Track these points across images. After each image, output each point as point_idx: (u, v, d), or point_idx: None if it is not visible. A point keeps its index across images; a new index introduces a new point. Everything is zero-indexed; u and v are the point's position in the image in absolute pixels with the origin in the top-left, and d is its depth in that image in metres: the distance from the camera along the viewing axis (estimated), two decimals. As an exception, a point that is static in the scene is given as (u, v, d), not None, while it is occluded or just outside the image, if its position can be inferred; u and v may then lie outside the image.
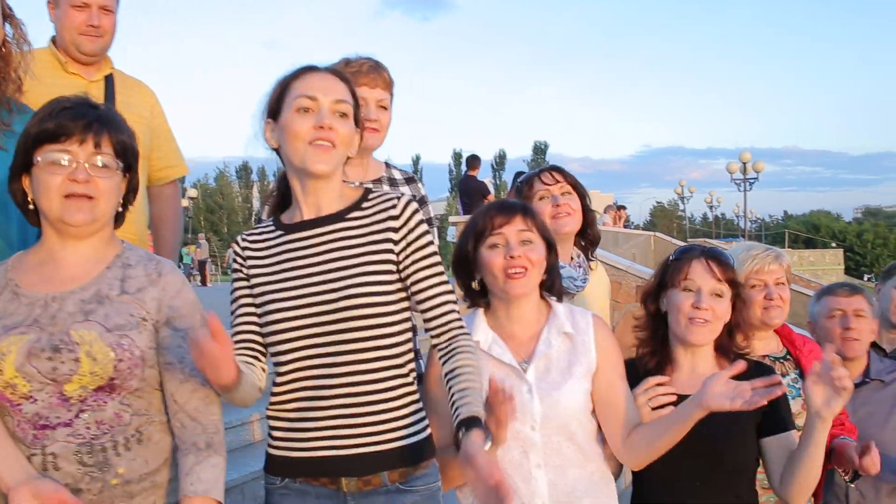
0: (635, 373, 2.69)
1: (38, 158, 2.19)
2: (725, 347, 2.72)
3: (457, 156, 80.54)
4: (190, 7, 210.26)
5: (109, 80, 3.78)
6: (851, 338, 3.31)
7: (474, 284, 2.63)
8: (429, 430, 2.38)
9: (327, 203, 2.40)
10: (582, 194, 3.35)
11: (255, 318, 2.42)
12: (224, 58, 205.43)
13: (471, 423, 2.16)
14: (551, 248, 2.62)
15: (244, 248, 2.46)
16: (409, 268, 2.36)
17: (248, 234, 2.50)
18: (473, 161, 15.91)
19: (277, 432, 2.39)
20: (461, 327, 2.38)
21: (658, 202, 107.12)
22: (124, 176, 2.29)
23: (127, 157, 2.27)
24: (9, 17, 2.72)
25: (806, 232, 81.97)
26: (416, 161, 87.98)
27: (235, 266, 2.47)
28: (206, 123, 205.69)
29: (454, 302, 2.40)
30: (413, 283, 2.36)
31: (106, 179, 2.22)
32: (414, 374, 2.40)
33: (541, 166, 3.42)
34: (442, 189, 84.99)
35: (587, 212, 3.36)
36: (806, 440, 2.49)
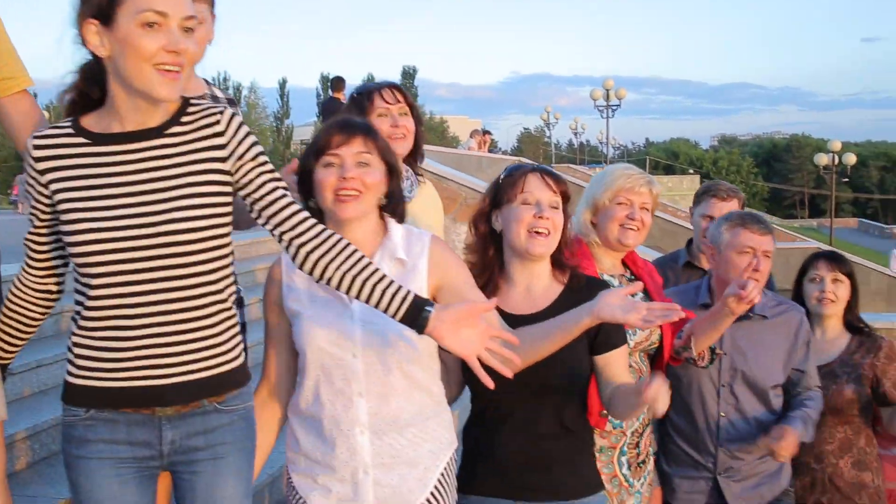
0: None
1: None
2: (561, 261, 2.70)
3: (324, 79, 78.77)
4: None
5: None
6: (757, 279, 3.19)
7: (311, 203, 2.52)
8: (244, 356, 2.33)
9: (150, 117, 2.21)
10: (417, 116, 3.29)
11: (41, 237, 2.28)
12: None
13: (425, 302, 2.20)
14: (393, 172, 2.53)
15: (39, 158, 2.21)
16: (246, 177, 2.24)
17: (43, 137, 2.22)
18: (338, 83, 15.53)
19: (83, 360, 2.22)
20: (313, 219, 2.28)
21: (525, 129, 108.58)
22: None
23: None
24: None
25: (666, 159, 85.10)
26: (283, 84, 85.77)
27: (31, 177, 2.23)
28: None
29: (294, 199, 2.31)
30: (255, 192, 2.25)
31: None
32: (233, 299, 2.31)
33: (379, 82, 3.33)
34: (310, 114, 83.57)
35: (419, 134, 3.31)
36: (628, 406, 2.50)
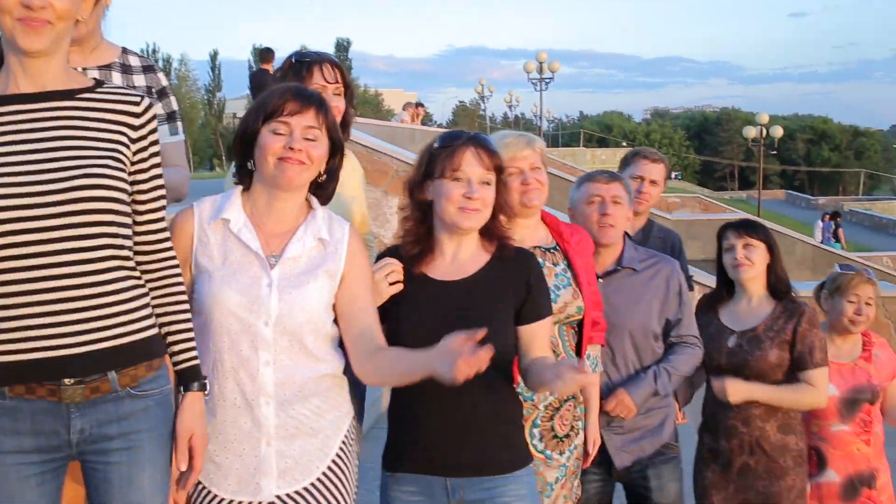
0: (398, 258, 2.66)
1: None
2: (490, 231, 2.67)
3: (256, 51, 77.49)
4: None
5: None
6: (607, 224, 3.32)
7: (249, 164, 2.48)
8: (157, 329, 2.28)
9: (52, 79, 2.15)
10: (350, 97, 3.23)
11: None
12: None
13: (196, 374, 2.31)
14: (336, 151, 2.53)
15: None
16: (137, 174, 2.23)
17: None
18: (266, 54, 15.28)
19: None
20: (171, 249, 2.34)
21: (461, 102, 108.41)
22: None
23: None
24: None
25: (599, 132, 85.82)
26: (214, 57, 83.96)
27: None
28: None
29: (167, 224, 2.34)
30: (137, 193, 2.24)
31: None
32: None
33: (321, 54, 3.25)
34: (242, 87, 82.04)
35: (347, 114, 3.23)
36: (539, 382, 2.51)
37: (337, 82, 3.15)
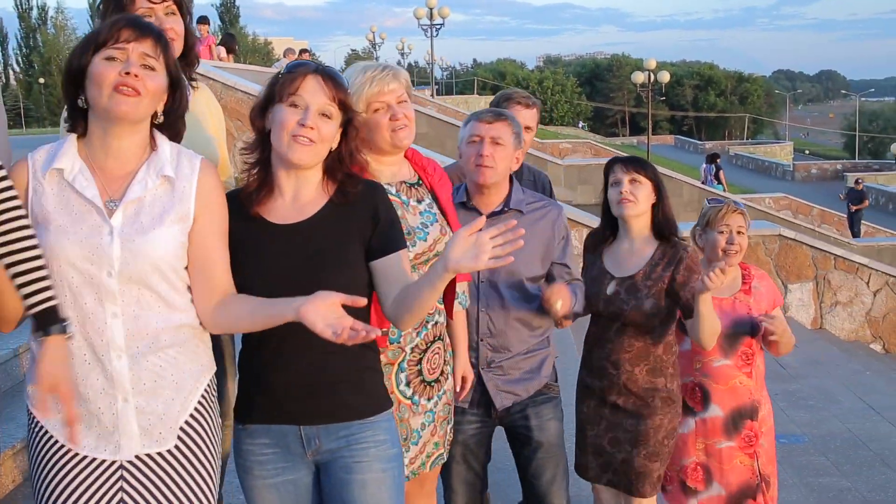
0: (237, 201, 2.46)
1: None
2: (334, 172, 2.51)
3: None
4: None
5: None
6: (483, 164, 3.22)
7: (80, 102, 2.28)
8: None
9: None
10: (185, 16, 2.96)
11: None
12: None
13: (53, 317, 2.14)
14: (176, 86, 2.35)
15: None
16: None
17: None
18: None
19: None
20: (9, 198, 2.14)
21: (353, 50, 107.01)
22: None
23: None
24: None
25: (493, 79, 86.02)
26: (93, 4, 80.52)
27: None
28: None
29: None
30: None
31: None
32: None
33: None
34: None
35: (189, 35, 3.00)
36: (428, 285, 2.35)
37: (165, 1, 2.88)
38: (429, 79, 50.16)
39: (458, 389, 3.11)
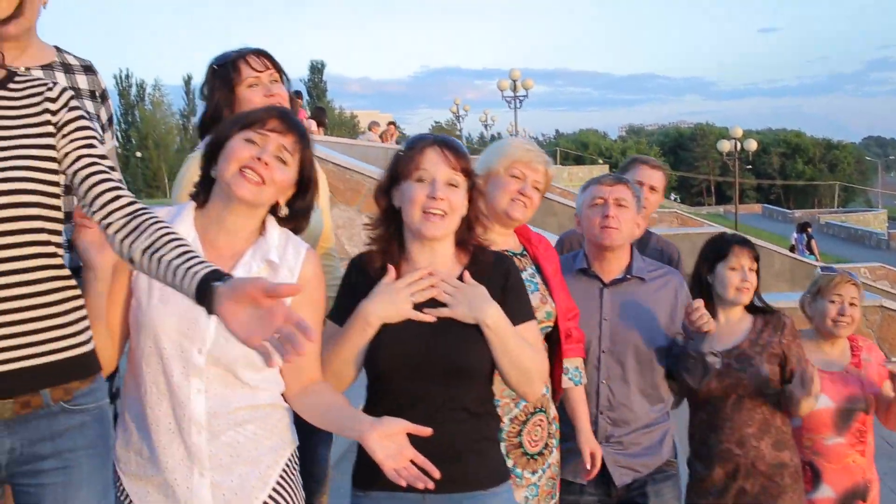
0: (363, 272, 2.50)
1: None
2: (465, 241, 2.53)
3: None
4: None
5: None
6: (609, 225, 3.18)
7: (213, 172, 2.33)
8: (94, 342, 2.13)
9: None
10: (287, 82, 3.07)
11: None
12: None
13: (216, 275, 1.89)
14: (305, 186, 2.39)
15: None
16: (68, 147, 2.04)
17: None
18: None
19: None
20: (137, 202, 2.07)
21: (437, 122, 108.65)
22: None
23: None
24: None
25: (576, 149, 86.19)
26: (188, 82, 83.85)
27: None
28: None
29: (123, 184, 2.12)
30: (76, 167, 2.04)
31: None
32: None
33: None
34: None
35: (291, 100, 3.08)
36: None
37: (269, 69, 2.98)
38: (512, 149, 50.43)
39: (588, 466, 3.02)
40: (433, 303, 2.43)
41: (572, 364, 3.04)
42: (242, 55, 2.97)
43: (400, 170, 2.48)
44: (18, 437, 1.97)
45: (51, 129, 2.03)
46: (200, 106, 3.05)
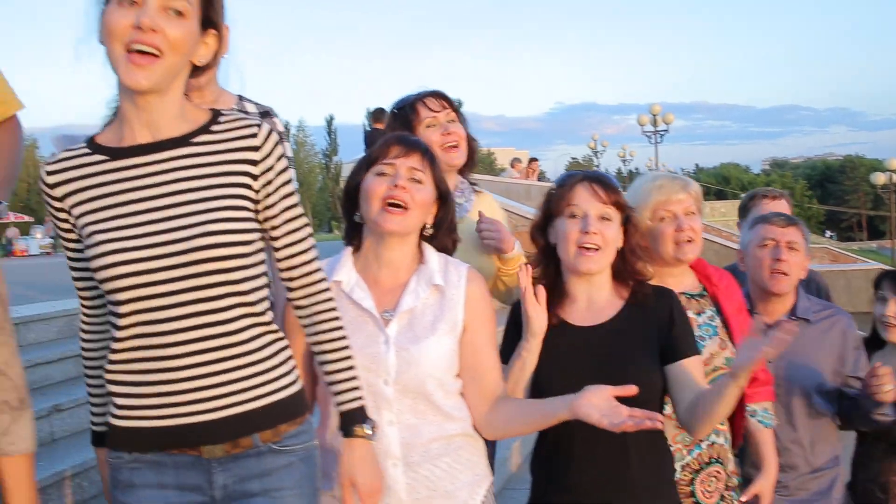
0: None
1: None
2: (623, 273, 2.52)
3: (371, 114, 79.64)
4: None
5: None
6: (780, 271, 3.09)
7: (356, 217, 2.40)
8: (301, 383, 2.12)
9: (167, 123, 1.97)
10: (464, 121, 3.11)
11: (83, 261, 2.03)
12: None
13: (356, 417, 2.12)
14: (444, 202, 2.42)
15: (54, 184, 2.00)
16: (268, 209, 2.03)
17: (55, 163, 2.01)
18: (378, 114, 15.36)
19: (120, 399, 2.00)
20: (322, 281, 2.12)
21: (573, 158, 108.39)
22: None
23: None
24: None
25: (717, 184, 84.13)
26: (330, 122, 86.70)
27: (51, 209, 2.03)
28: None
29: (316, 253, 2.12)
30: (271, 228, 2.05)
31: None
32: (271, 316, 2.09)
33: (419, 91, 3.12)
34: (357, 150, 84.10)
35: (471, 141, 3.11)
36: (717, 394, 2.27)
37: (445, 109, 3.06)
38: (650, 184, 49.74)
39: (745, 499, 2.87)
40: (614, 357, 2.40)
41: (761, 406, 2.92)
42: (420, 97, 3.07)
43: (553, 207, 2.53)
44: (230, 473, 2.00)
45: (249, 180, 2.00)
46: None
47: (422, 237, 2.42)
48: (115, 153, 1.97)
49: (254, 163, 2.00)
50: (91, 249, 1.95)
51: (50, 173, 2.01)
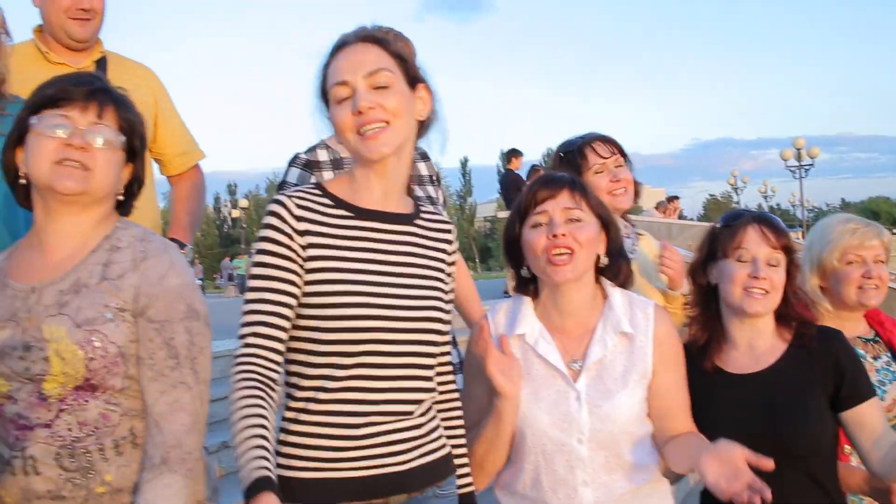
0: (686, 352, 2.40)
1: (34, 121, 2.01)
2: (785, 316, 2.46)
3: (504, 155, 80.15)
4: (230, 30, 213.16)
5: (101, 64, 3.44)
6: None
7: (524, 272, 2.34)
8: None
9: (397, 193, 2.15)
10: (630, 165, 3.11)
11: (289, 310, 2.00)
12: (268, 69, 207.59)
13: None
14: (608, 227, 2.32)
15: (300, 218, 2.03)
16: (447, 294, 2.23)
17: (302, 200, 2.06)
18: (512, 155, 15.50)
19: (316, 451, 2.01)
20: (452, 373, 2.31)
21: (711, 195, 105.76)
22: (128, 159, 2.11)
23: (132, 137, 2.09)
24: None
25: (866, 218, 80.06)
26: (465, 164, 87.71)
27: (279, 236, 2.01)
28: (254, 136, 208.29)
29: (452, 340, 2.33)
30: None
31: (105, 151, 2.02)
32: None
33: (588, 134, 3.12)
34: (491, 190, 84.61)
35: (637, 186, 3.12)
36: None
37: (614, 154, 3.05)
38: (794, 221, 48.09)
39: None
40: (779, 406, 2.34)
41: None
42: (588, 142, 3.06)
43: (718, 247, 2.46)
44: None
45: (445, 266, 2.21)
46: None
47: (598, 270, 2.33)
48: (359, 213, 2.10)
49: (448, 253, 2.22)
50: (332, 297, 2.00)
51: (299, 206, 2.04)
